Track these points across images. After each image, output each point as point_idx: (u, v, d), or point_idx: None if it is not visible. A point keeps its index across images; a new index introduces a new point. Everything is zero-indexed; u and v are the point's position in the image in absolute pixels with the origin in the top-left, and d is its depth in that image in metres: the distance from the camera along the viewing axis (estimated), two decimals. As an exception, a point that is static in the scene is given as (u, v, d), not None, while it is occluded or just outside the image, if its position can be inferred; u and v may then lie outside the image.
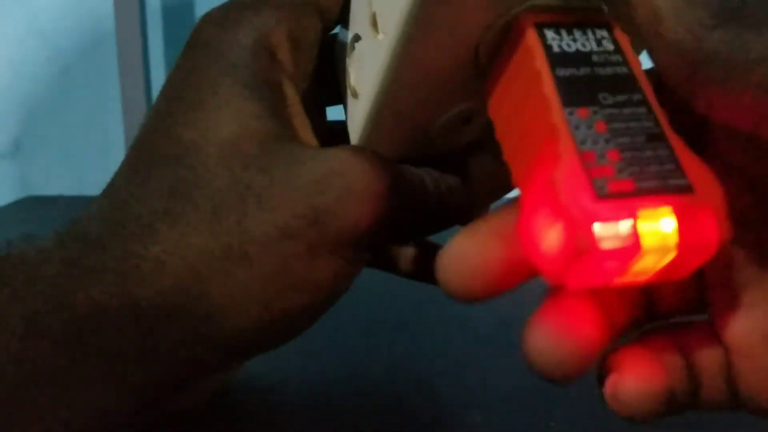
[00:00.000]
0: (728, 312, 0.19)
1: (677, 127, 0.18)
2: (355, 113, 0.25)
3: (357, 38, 0.24)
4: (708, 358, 0.20)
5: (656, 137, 0.18)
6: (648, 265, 0.17)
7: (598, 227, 0.16)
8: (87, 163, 0.89)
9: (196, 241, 0.21)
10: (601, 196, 0.16)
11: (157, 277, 0.21)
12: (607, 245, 0.16)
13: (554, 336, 0.18)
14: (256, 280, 0.21)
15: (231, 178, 0.22)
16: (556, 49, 0.18)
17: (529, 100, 0.18)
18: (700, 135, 0.20)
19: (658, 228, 0.16)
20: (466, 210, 0.26)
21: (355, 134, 0.25)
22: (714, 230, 0.16)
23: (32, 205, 0.86)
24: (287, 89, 0.24)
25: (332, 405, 0.35)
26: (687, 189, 0.17)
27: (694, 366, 0.20)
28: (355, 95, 0.25)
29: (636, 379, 0.19)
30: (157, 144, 0.23)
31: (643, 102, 0.18)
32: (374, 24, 0.22)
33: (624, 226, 0.16)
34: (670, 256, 0.17)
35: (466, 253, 0.18)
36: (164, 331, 0.21)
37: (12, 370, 0.20)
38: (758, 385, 0.19)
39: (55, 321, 0.21)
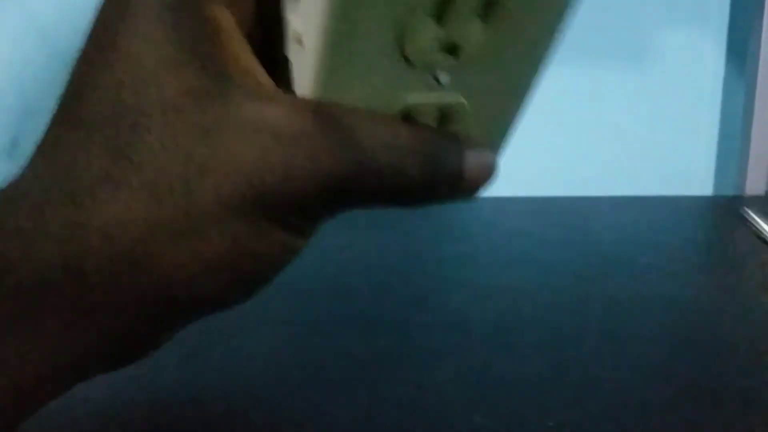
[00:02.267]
0: None
1: None
2: (302, 66, 0.23)
3: None
4: None
5: None
6: None
7: None
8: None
9: (142, 211, 0.21)
10: None
11: (104, 249, 0.21)
12: None
13: None
14: (206, 254, 0.22)
15: (173, 144, 0.21)
16: None
17: None
18: None
19: None
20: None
21: (305, 89, 0.23)
22: None
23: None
24: (220, 16, 0.23)
25: (331, 404, 0.35)
26: None
27: None
28: (299, 43, 0.23)
29: None
30: (94, 101, 0.22)
31: None
32: None
33: None
34: None
35: None
36: (111, 295, 0.21)
37: None
38: None
39: None
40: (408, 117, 0.23)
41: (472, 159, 0.23)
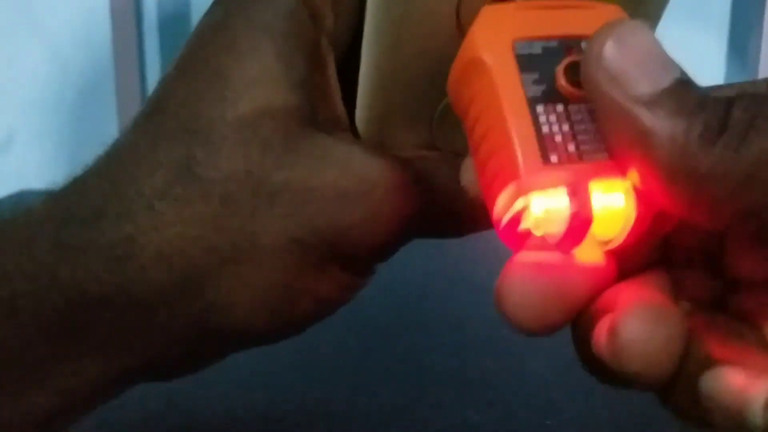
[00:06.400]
0: None
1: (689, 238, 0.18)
2: (360, 83, 0.23)
3: None
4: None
5: None
6: (606, 233, 0.18)
7: (536, 195, 0.17)
8: (81, 159, 0.89)
9: (201, 234, 0.20)
10: (550, 165, 0.17)
11: (154, 270, 0.20)
12: (545, 215, 0.17)
13: (533, 279, 0.17)
14: (261, 287, 0.20)
15: (245, 167, 0.20)
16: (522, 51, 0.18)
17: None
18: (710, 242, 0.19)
19: (606, 197, 0.17)
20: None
21: (359, 108, 0.23)
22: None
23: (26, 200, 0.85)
24: (326, 54, 0.22)
25: (331, 404, 0.35)
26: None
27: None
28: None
29: (645, 314, 0.16)
30: (171, 112, 0.21)
31: None
32: None
33: (562, 194, 0.17)
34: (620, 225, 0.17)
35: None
36: (157, 322, 0.20)
37: None
38: None
39: (35, 305, 0.20)
40: None
41: None
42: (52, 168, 0.90)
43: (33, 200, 0.21)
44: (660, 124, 0.15)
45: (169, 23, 0.88)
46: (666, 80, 0.16)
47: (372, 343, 0.42)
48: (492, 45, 0.18)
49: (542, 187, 0.17)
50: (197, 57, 0.21)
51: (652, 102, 0.16)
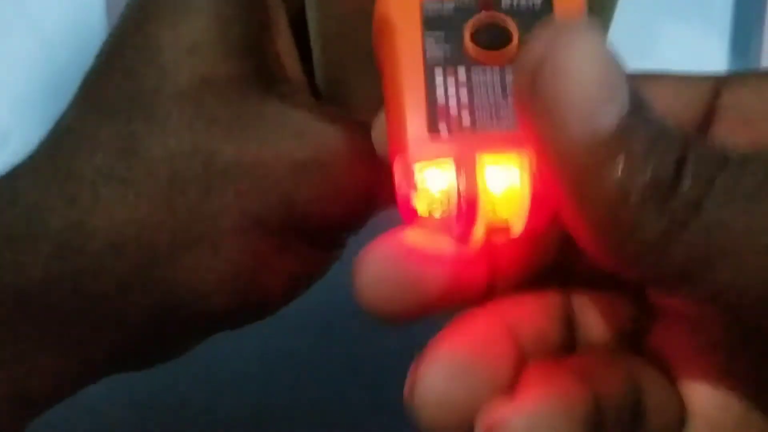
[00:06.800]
0: (695, 371, 0.16)
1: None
2: (312, 40, 0.22)
3: None
4: (654, 397, 0.16)
5: None
6: (499, 218, 0.16)
7: (420, 167, 0.16)
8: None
9: (152, 216, 0.18)
10: (437, 136, 0.16)
11: (105, 257, 0.18)
12: (429, 188, 0.16)
13: (391, 260, 0.15)
14: (223, 269, 0.19)
15: (191, 143, 0.18)
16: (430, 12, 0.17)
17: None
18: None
19: (500, 173, 0.16)
20: None
21: (316, 66, 0.22)
22: None
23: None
24: (274, 7, 0.20)
25: (330, 404, 0.35)
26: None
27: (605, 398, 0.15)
28: None
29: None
30: (108, 86, 0.19)
31: None
32: None
33: (448, 167, 0.15)
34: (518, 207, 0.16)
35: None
36: (116, 310, 0.19)
37: None
38: None
39: None
40: None
41: None
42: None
43: None
44: (598, 172, 0.13)
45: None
46: (614, 114, 0.13)
47: (371, 342, 0.42)
48: (400, 2, 0.17)
49: (426, 158, 0.16)
50: (133, 24, 0.20)
51: (594, 144, 0.13)
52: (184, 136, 0.18)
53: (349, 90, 0.21)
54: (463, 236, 0.16)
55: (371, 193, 0.20)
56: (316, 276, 0.21)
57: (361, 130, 0.19)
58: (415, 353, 0.37)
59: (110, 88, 0.20)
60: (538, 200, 0.16)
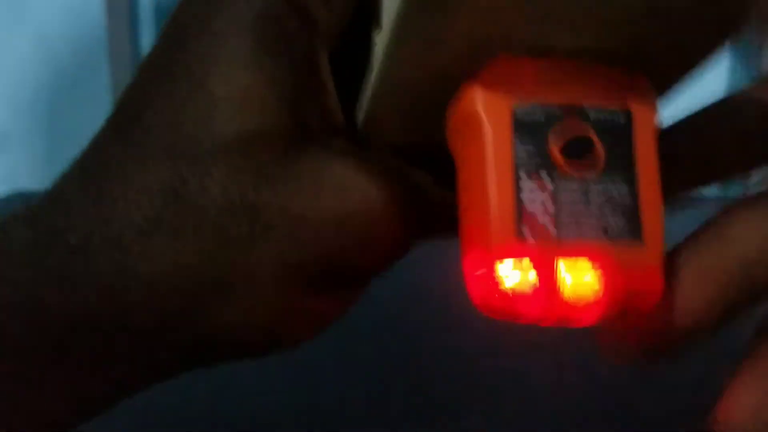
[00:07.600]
0: None
1: None
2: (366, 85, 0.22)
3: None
4: None
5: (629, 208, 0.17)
6: (579, 310, 0.17)
7: (501, 268, 0.17)
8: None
9: (193, 266, 0.19)
10: (521, 239, 0.17)
11: (147, 301, 0.19)
12: (510, 286, 0.17)
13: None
14: (256, 312, 0.20)
15: (239, 196, 0.19)
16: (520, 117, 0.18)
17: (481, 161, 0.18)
18: None
19: (576, 276, 0.17)
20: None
21: (361, 108, 0.22)
22: (657, 279, 0.17)
23: (19, 201, 0.85)
24: (318, 55, 0.20)
25: (330, 404, 0.35)
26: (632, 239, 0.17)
27: None
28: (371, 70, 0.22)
29: None
30: (151, 125, 0.19)
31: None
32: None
33: (529, 270, 0.17)
34: (595, 301, 0.17)
35: None
36: (151, 348, 0.20)
37: None
38: None
39: (21, 330, 0.19)
40: None
41: None
42: (45, 168, 0.90)
43: (8, 220, 0.20)
44: None
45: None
46: None
47: (371, 342, 0.42)
48: (491, 104, 0.17)
49: (509, 257, 0.17)
50: (176, 59, 0.20)
51: None
52: (232, 188, 0.19)
53: (393, 137, 0.22)
54: (539, 322, 0.18)
55: (407, 239, 0.21)
56: (343, 314, 0.22)
57: (398, 175, 0.20)
58: (415, 353, 0.37)
59: (152, 125, 0.19)
60: (611, 305, 0.17)
